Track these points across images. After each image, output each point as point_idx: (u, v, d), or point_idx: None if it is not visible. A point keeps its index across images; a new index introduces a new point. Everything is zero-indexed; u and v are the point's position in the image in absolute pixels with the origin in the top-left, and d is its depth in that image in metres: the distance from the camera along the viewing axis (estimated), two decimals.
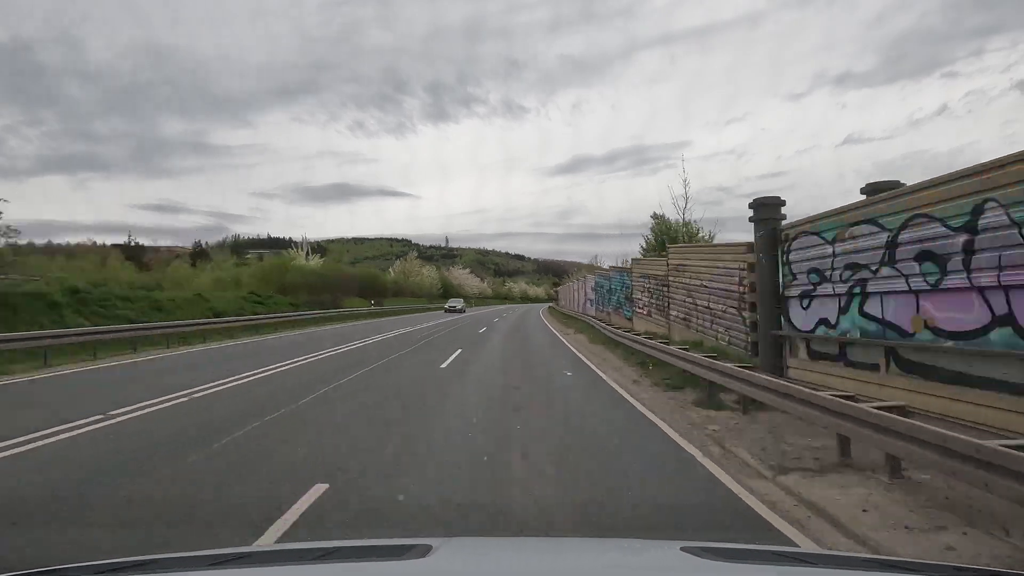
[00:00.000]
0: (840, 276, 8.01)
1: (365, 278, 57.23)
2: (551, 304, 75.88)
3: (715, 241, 24.48)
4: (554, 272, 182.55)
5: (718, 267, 12.87)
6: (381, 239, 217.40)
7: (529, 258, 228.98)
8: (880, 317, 7.24)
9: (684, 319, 15.48)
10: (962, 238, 5.85)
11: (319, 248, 65.40)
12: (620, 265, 29.86)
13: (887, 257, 7.03)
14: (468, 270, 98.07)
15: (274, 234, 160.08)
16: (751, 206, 10.24)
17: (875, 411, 4.74)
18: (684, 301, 15.41)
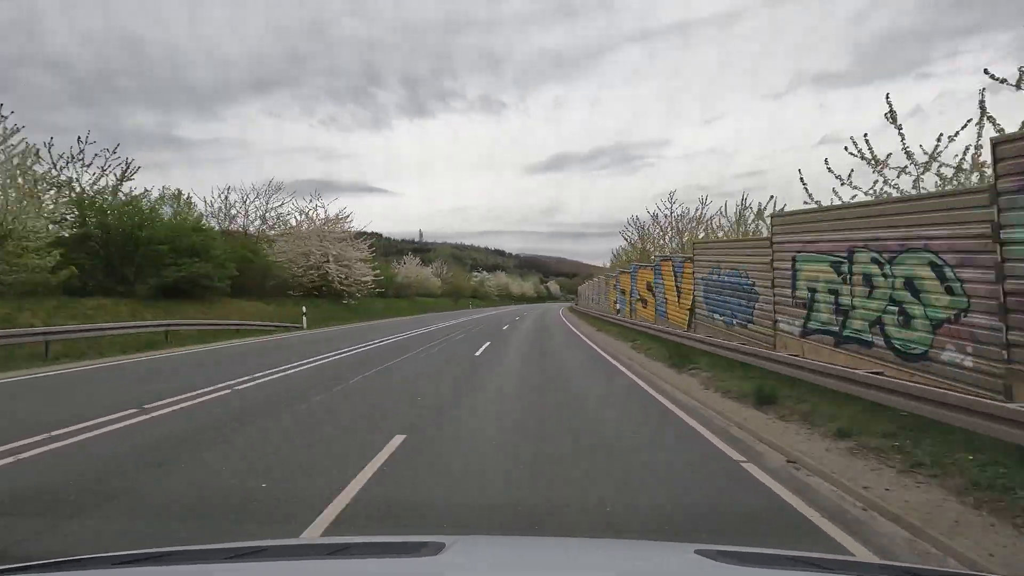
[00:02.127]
0: None
1: None
2: (568, 306, 65.50)
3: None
4: (538, 268, 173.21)
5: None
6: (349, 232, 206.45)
7: (511, 253, 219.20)
8: None
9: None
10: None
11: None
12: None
13: None
14: (418, 261, 63.51)
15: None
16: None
17: None
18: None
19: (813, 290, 9.46)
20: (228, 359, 12.66)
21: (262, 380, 9.22)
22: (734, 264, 12.95)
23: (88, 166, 21.72)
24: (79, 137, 21.59)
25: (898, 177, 10.93)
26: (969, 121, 9.56)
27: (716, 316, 14.08)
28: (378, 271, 38.63)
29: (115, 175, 22.36)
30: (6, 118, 16.24)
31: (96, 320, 15.98)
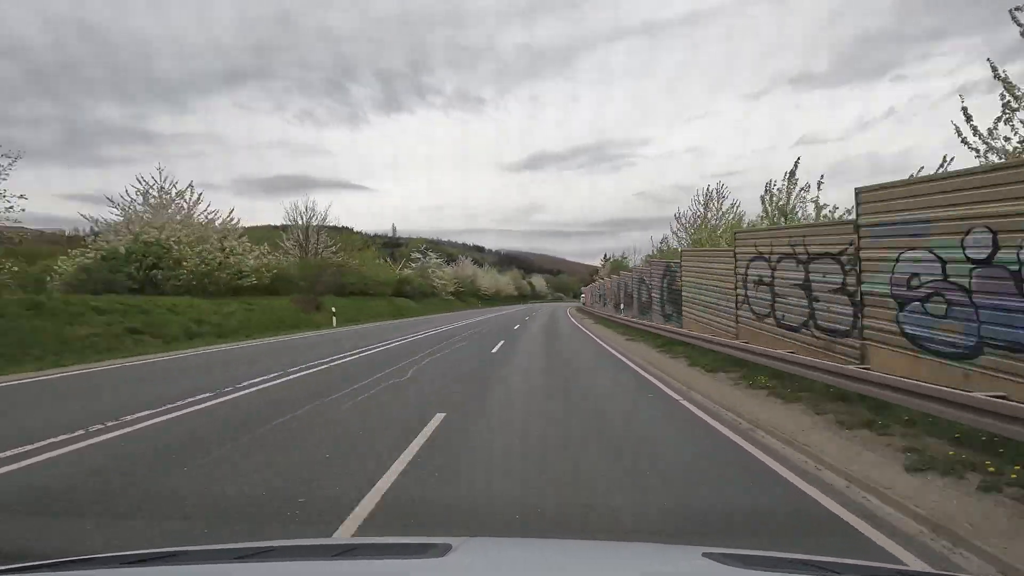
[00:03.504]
0: None
1: None
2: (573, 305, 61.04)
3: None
4: (519, 265, 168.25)
5: None
6: (321, 227, 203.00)
7: (490, 250, 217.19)
8: None
9: None
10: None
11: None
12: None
13: None
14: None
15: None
16: None
17: None
18: None
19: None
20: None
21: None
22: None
23: None
24: None
25: None
26: None
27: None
28: None
29: None
30: None
31: None
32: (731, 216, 26.62)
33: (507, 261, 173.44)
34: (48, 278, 23.64)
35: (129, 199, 28.36)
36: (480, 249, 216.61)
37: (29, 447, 5.69)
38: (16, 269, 19.09)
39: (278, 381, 10.03)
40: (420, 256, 69.79)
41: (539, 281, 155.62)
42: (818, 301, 9.63)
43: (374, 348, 16.41)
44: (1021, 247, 5.79)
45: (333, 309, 31.62)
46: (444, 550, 1.40)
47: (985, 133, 9.54)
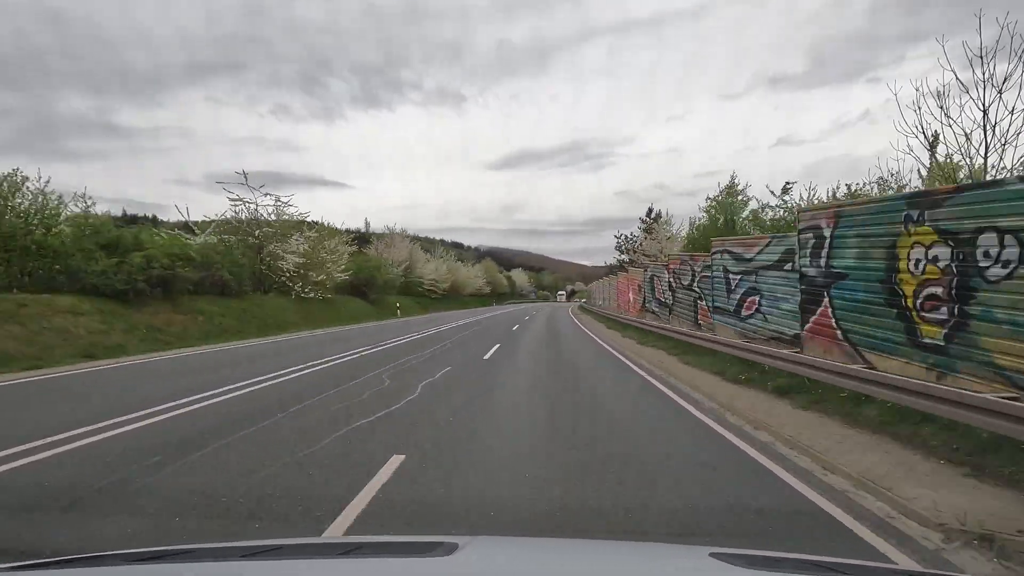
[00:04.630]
0: None
1: None
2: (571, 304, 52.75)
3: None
4: (499, 262, 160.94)
5: None
6: (290, 222, 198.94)
7: (470, 246, 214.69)
8: None
9: None
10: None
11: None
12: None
13: None
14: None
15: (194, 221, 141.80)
16: None
17: None
18: None
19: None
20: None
21: None
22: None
23: None
24: None
25: None
26: None
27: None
28: None
29: None
30: None
31: None
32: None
33: (487, 256, 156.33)
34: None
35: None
36: (460, 246, 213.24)
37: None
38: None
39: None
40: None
41: (520, 276, 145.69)
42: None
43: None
44: None
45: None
46: (450, 548, 1.42)
47: None
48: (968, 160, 11.02)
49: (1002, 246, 5.79)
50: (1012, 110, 9.79)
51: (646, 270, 25.35)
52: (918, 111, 11.17)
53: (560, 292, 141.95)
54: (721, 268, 13.73)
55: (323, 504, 4.18)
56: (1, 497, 4.47)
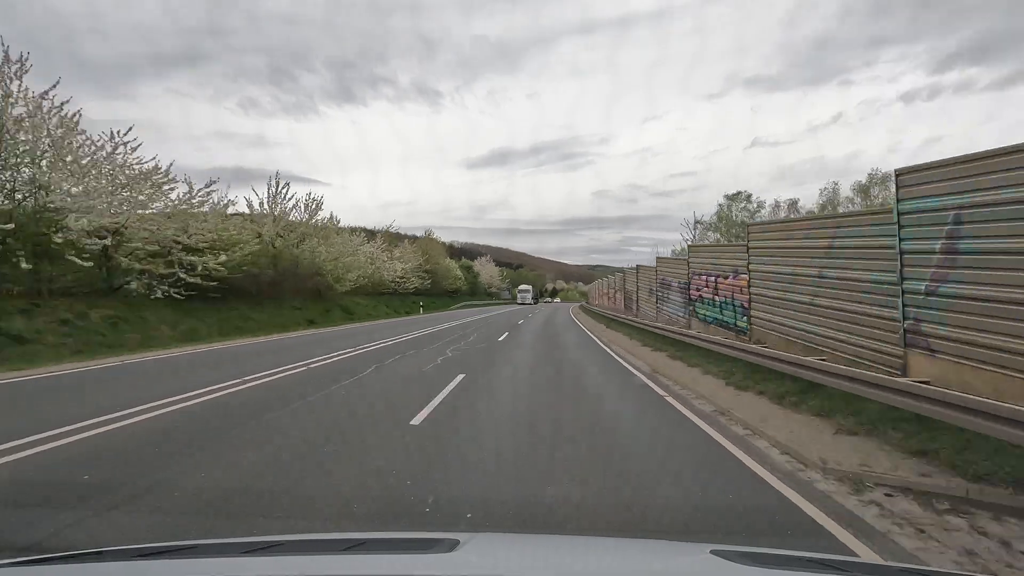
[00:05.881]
0: None
1: None
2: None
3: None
4: (469, 257, 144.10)
5: None
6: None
7: (445, 243, 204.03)
8: None
9: None
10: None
11: None
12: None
13: None
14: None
15: None
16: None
17: None
18: None
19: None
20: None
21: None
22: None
23: None
24: None
25: None
26: None
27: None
28: None
29: None
30: None
31: None
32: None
33: (458, 253, 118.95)
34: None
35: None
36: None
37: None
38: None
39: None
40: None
41: (490, 267, 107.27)
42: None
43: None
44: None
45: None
46: (452, 545, 1.46)
47: None
48: None
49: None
50: None
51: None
52: None
53: (523, 288, 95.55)
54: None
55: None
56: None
